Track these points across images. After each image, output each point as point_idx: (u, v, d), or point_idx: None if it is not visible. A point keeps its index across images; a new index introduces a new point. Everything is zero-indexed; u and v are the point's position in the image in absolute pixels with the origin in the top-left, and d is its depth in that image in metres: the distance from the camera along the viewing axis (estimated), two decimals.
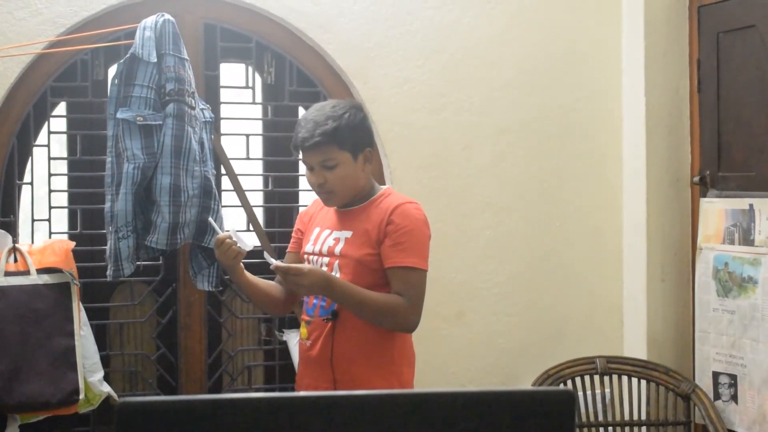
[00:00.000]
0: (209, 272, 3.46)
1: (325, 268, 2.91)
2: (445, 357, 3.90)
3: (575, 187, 4.10)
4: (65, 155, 3.69)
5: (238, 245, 2.83)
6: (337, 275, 2.88)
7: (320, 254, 2.98)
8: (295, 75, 3.86)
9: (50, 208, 3.60)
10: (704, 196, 3.91)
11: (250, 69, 3.84)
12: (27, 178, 3.60)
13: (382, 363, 2.92)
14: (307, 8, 3.75)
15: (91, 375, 3.32)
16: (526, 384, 3.87)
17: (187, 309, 3.70)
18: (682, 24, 4.03)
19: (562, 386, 3.70)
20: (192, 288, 3.58)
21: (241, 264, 2.92)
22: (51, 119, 3.62)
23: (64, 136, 3.69)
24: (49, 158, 3.60)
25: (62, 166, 3.66)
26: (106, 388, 3.37)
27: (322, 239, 2.99)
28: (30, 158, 3.60)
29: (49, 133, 3.61)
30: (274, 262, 2.83)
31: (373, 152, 3.00)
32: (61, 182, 3.66)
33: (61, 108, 3.68)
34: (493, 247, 3.99)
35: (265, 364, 3.92)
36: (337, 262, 2.91)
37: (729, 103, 3.85)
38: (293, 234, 3.18)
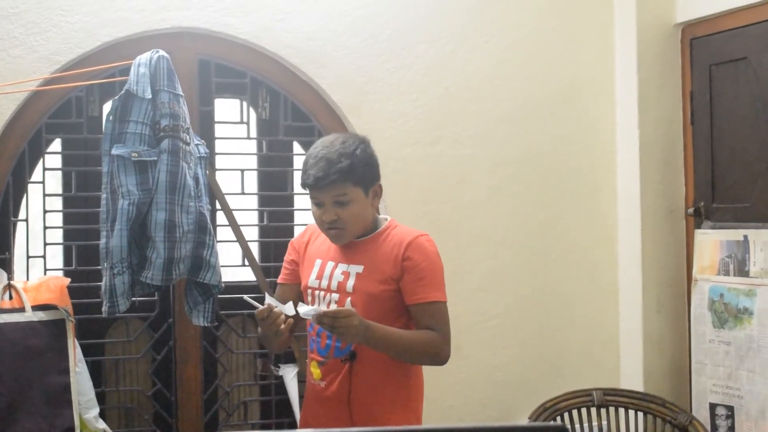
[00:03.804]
0: (204, 308, 3.44)
1: (334, 305, 2.85)
2: (443, 390, 3.88)
3: (570, 219, 4.11)
4: (60, 192, 3.69)
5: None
6: None
7: (329, 290, 2.90)
8: (289, 110, 3.87)
9: (45, 244, 3.60)
10: (699, 227, 3.92)
11: (245, 104, 3.86)
12: (22, 214, 3.60)
13: (400, 399, 2.90)
14: (301, 44, 3.76)
15: (87, 412, 3.30)
16: (523, 417, 3.85)
17: (182, 345, 3.69)
18: (674, 57, 4.06)
19: (558, 420, 3.69)
20: (187, 323, 3.57)
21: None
22: (46, 156, 3.63)
23: (59, 173, 3.70)
24: (44, 195, 3.60)
25: (57, 203, 3.67)
26: (102, 425, 3.35)
27: (328, 273, 2.92)
28: (25, 195, 3.61)
29: (44, 169, 3.61)
30: (317, 310, 2.68)
31: (381, 186, 2.95)
32: (56, 219, 3.66)
33: (56, 145, 3.69)
34: (489, 280, 3.99)
35: (261, 399, 3.90)
36: (349, 299, 2.85)
37: (722, 135, 3.87)
38: (285, 265, 3.11)
